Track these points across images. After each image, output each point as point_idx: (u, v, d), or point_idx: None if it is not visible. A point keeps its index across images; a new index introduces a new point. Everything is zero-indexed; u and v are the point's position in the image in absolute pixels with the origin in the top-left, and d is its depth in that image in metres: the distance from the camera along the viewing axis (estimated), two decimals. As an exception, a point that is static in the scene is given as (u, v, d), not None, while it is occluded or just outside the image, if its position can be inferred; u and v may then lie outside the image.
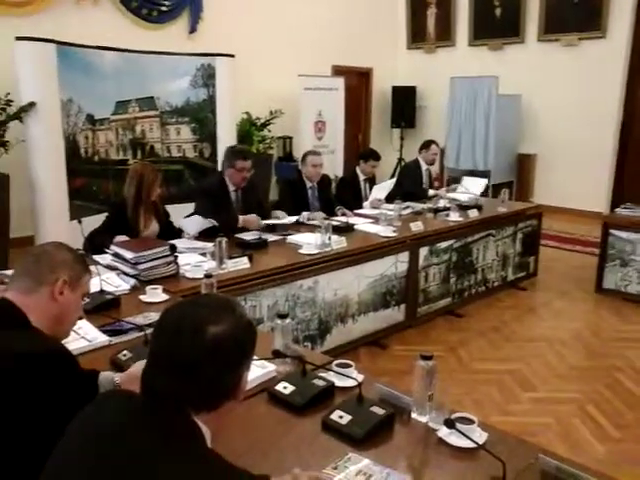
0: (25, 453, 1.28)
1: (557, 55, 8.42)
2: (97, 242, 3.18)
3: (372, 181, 5.32)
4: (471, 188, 5.59)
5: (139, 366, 1.64)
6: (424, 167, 5.78)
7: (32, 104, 4.99)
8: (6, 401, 1.29)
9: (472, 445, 1.46)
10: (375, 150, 5.43)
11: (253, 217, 3.92)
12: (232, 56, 6.54)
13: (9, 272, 2.40)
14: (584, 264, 5.86)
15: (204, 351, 1.06)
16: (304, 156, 4.68)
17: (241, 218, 3.87)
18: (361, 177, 5.23)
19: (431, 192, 5.69)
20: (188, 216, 3.92)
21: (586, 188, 8.22)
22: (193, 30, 7.36)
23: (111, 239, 3.20)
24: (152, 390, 1.08)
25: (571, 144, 8.36)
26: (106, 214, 3.66)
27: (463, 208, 4.95)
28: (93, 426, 1.08)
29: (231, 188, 4.05)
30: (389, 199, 4.97)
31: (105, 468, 0.99)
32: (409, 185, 5.56)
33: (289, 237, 3.79)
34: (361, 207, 4.95)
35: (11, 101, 5.11)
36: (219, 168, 6.15)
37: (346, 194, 5.02)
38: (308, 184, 4.63)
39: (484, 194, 5.71)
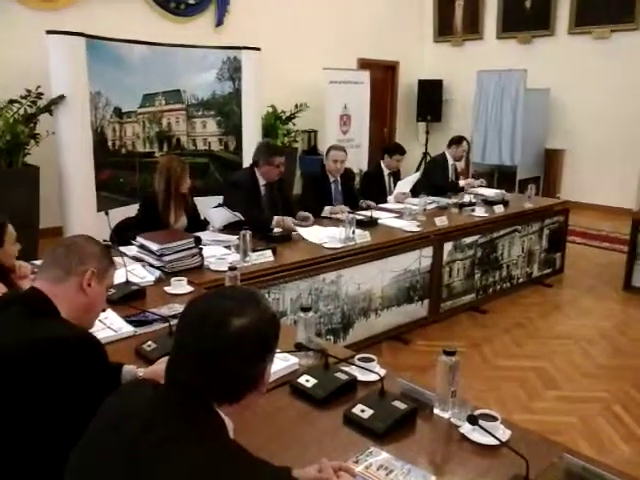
0: (50, 439, 1.31)
1: (588, 48, 8.26)
2: (129, 236, 3.20)
3: (396, 175, 5.29)
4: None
5: (163, 363, 1.66)
6: (450, 162, 5.73)
7: (62, 97, 5.07)
8: (36, 385, 1.32)
9: (495, 442, 1.45)
10: (400, 144, 5.41)
11: (288, 220, 3.80)
12: (258, 49, 6.56)
13: (39, 262, 2.45)
14: (612, 261, 5.76)
15: (227, 343, 1.07)
16: (328, 150, 4.67)
17: (275, 219, 3.77)
18: (385, 171, 5.21)
19: (461, 183, 5.65)
20: (216, 207, 3.94)
21: (615, 184, 8.07)
22: (220, 23, 7.39)
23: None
24: (176, 381, 1.09)
25: (600, 139, 8.21)
26: (137, 208, 3.70)
27: (489, 203, 4.90)
28: (118, 415, 1.10)
29: (261, 183, 4.06)
30: (415, 192, 4.94)
31: (129, 457, 1.00)
32: (438, 179, 5.51)
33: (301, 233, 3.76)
34: (385, 201, 4.93)
35: (41, 94, 5.20)
36: (244, 161, 6.22)
37: (370, 188, 5.01)
38: (331, 178, 4.63)
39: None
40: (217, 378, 1.07)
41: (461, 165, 7.27)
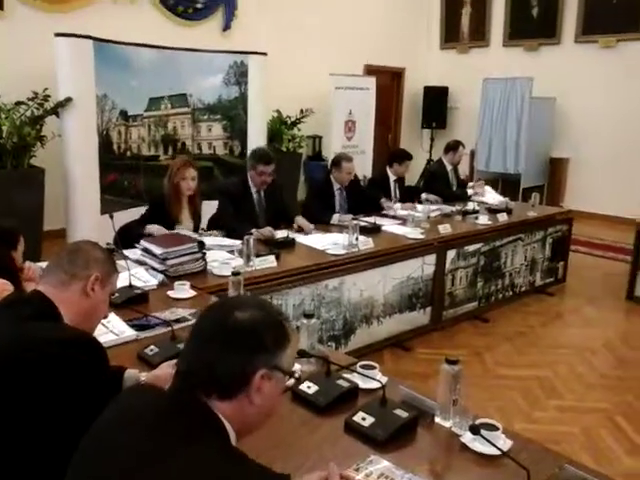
0: (49, 441, 1.31)
1: (594, 57, 8.26)
2: (134, 233, 3.23)
3: (401, 182, 5.33)
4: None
5: (165, 368, 1.67)
6: (449, 168, 5.72)
7: (69, 99, 5.09)
8: (35, 387, 1.32)
9: (496, 452, 1.44)
10: (406, 150, 5.46)
11: (265, 230, 3.76)
12: (264, 54, 6.58)
13: (42, 264, 2.46)
14: (615, 271, 5.75)
15: (222, 330, 1.11)
16: (338, 161, 4.59)
17: (254, 232, 3.63)
18: (392, 178, 5.24)
19: (470, 191, 5.65)
20: (213, 217, 4.02)
21: (620, 194, 8.04)
22: (227, 27, 7.42)
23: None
24: (177, 373, 1.13)
25: (605, 149, 8.20)
26: (146, 208, 3.77)
27: (492, 211, 4.90)
28: (119, 419, 1.10)
29: (253, 190, 4.08)
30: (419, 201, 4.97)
31: (128, 464, 1.01)
32: (441, 189, 5.49)
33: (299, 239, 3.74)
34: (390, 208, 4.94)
35: (48, 96, 5.22)
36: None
37: (376, 195, 5.02)
38: (336, 186, 4.63)
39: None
40: (206, 362, 1.09)
41: (465, 171, 7.27)
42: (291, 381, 1.21)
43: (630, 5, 7.81)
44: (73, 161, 5.24)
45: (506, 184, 8.48)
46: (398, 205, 4.99)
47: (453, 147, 5.68)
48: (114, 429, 1.09)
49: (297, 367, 1.88)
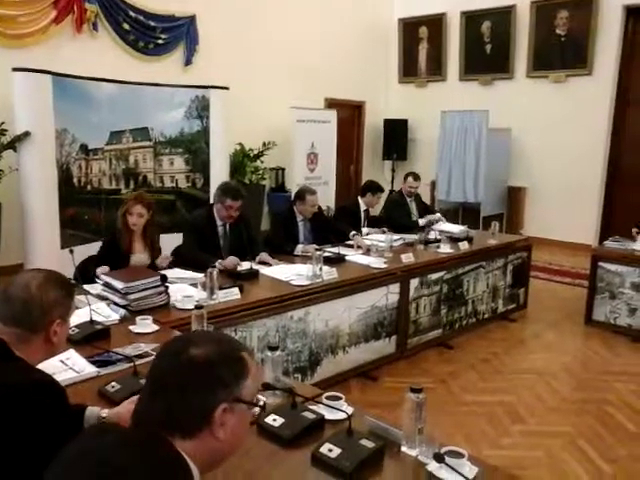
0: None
1: (545, 91, 8.60)
2: (92, 271, 3.20)
3: (367, 212, 5.55)
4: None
5: (127, 405, 1.63)
6: (408, 198, 5.90)
7: (27, 134, 5.02)
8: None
9: None
10: (379, 184, 5.67)
11: (229, 260, 3.74)
12: (226, 88, 6.63)
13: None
14: (574, 296, 5.89)
15: (178, 369, 1.08)
16: (302, 194, 4.61)
17: (218, 263, 3.63)
18: (362, 207, 5.45)
19: (421, 222, 5.74)
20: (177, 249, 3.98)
21: (575, 221, 8.32)
22: (188, 62, 7.47)
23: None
24: (136, 413, 1.10)
25: (560, 177, 8.48)
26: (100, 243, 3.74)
27: (454, 240, 4.98)
28: (78, 460, 1.07)
29: (219, 223, 4.08)
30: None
31: None
32: (400, 218, 5.63)
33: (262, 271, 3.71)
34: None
35: (5, 130, 5.14)
36: (211, 198, 6.22)
37: (345, 222, 5.08)
38: (299, 218, 4.66)
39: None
40: (164, 404, 1.07)
41: (426, 202, 7.38)
42: (257, 409, 1.18)
43: (577, 43, 8.20)
44: (31, 195, 5.14)
45: (467, 213, 8.67)
46: (365, 230, 5.16)
47: (404, 178, 6.03)
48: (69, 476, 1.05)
49: (262, 400, 1.87)
